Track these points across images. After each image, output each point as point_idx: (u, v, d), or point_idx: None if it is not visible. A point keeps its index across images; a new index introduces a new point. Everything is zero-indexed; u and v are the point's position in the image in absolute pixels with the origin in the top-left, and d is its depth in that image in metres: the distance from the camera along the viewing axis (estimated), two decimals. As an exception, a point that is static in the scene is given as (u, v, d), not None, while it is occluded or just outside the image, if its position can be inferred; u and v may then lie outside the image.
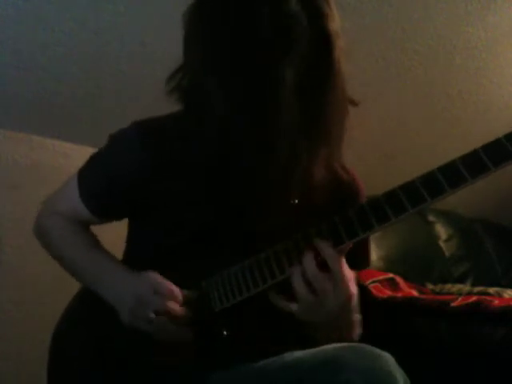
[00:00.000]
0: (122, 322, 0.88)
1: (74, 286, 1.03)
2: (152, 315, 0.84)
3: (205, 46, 0.79)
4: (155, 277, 0.86)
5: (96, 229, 1.06)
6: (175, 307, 0.84)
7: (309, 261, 0.79)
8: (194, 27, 0.81)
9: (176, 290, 0.85)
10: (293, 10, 0.76)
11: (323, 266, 0.80)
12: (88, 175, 0.98)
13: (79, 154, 1.88)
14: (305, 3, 0.77)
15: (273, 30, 0.75)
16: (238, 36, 0.76)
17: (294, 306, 0.81)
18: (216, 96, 0.78)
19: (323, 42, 0.78)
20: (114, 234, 1.11)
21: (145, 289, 0.86)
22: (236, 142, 0.80)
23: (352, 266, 0.84)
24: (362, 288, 1.55)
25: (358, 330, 0.89)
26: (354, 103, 0.85)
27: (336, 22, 0.80)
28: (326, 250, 0.79)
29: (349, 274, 0.81)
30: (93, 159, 0.99)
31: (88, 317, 0.98)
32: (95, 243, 1.02)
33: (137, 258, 0.98)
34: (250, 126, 0.78)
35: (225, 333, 0.88)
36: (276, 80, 0.76)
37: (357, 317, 0.88)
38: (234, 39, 0.77)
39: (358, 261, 0.97)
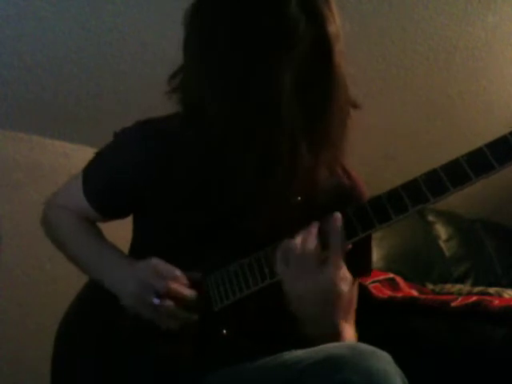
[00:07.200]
0: (125, 307, 0.88)
1: (73, 286, 1.03)
2: (156, 300, 0.83)
3: (202, 46, 0.81)
4: (157, 261, 0.87)
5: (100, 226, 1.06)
6: (179, 288, 0.84)
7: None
8: (193, 29, 0.82)
9: (178, 271, 0.86)
10: (292, 12, 0.76)
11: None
12: (92, 173, 1.00)
13: (79, 154, 1.88)
14: (304, 5, 0.77)
15: (271, 33, 0.76)
16: (237, 37, 0.77)
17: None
18: (214, 97, 0.79)
19: (322, 44, 0.78)
20: (117, 233, 1.11)
21: (146, 272, 0.86)
22: (235, 143, 0.80)
23: (352, 273, 0.83)
24: (362, 288, 1.55)
25: (349, 336, 0.84)
26: (355, 106, 0.85)
27: (336, 25, 0.80)
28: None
29: (345, 274, 0.81)
30: (97, 157, 1.01)
31: (96, 306, 0.99)
32: (99, 234, 1.03)
33: (139, 255, 0.99)
34: (250, 128, 0.79)
35: (224, 331, 0.88)
36: (275, 82, 0.76)
37: (347, 324, 0.84)
38: (232, 40, 0.77)
39: (359, 267, 0.96)
